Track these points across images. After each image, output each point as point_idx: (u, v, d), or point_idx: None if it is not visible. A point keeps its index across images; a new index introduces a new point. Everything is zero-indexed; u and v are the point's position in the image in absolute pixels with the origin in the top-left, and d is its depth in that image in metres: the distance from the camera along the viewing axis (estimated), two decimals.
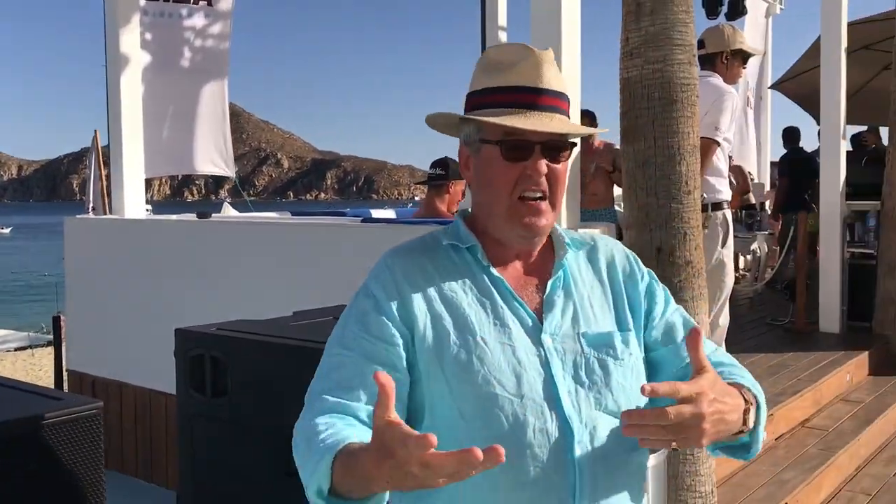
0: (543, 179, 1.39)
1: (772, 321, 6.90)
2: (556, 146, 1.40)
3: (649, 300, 1.51)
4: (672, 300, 1.56)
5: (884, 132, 8.88)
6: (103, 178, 9.67)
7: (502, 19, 8.48)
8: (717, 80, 3.99)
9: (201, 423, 2.54)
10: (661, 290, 1.54)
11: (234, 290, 4.50)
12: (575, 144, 1.44)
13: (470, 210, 1.51)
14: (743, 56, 4.12)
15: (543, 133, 1.37)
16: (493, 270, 1.42)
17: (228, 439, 2.49)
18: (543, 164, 1.38)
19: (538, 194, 1.39)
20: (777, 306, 7.28)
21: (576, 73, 3.39)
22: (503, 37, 8.56)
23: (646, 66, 3.03)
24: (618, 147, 6.03)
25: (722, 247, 3.98)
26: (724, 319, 4.02)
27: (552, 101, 1.41)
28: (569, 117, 1.44)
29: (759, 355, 5.51)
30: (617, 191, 6.37)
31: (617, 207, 6.30)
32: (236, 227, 5.04)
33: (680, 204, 3.03)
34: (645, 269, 1.56)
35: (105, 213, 7.71)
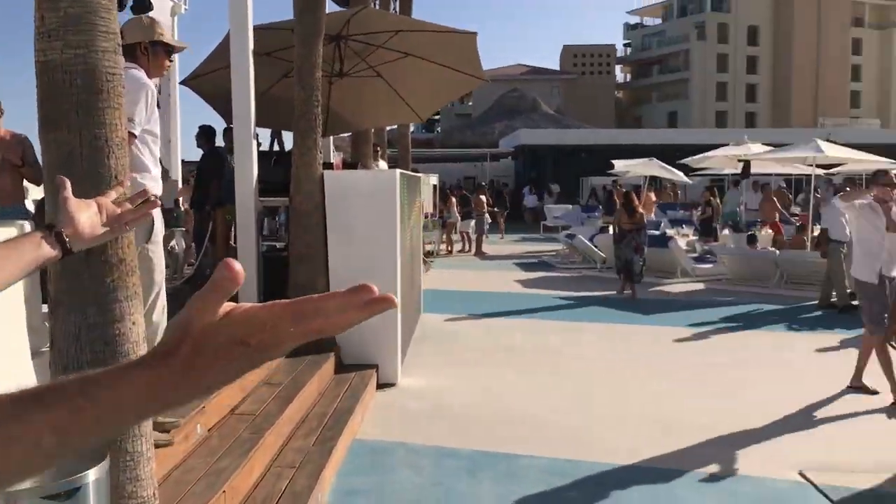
0: None
1: None
2: None
3: None
4: None
5: (288, 136, 9.74)
6: None
7: None
8: (138, 72, 3.87)
9: None
10: None
11: None
12: None
13: None
14: (167, 49, 4.08)
15: None
16: None
17: None
18: None
19: None
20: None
21: None
22: None
23: (66, 51, 2.78)
24: (26, 137, 5.51)
25: (147, 241, 3.89)
26: (158, 316, 3.95)
27: None
28: None
29: None
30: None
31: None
32: None
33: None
34: None
35: None
